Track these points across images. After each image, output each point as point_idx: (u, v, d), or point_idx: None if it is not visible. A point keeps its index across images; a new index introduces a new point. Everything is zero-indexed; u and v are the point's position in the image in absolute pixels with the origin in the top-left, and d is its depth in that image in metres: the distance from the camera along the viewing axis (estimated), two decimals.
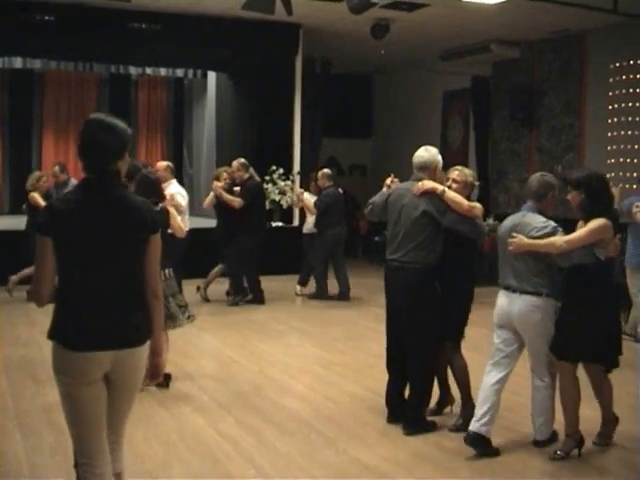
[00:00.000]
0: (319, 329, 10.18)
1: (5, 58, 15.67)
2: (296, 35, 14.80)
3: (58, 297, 3.61)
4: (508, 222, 5.94)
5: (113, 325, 3.59)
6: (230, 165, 11.83)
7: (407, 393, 6.32)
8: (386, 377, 6.42)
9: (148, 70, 17.12)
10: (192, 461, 5.48)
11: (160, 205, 6.93)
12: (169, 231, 7.05)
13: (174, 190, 10.06)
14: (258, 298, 11.72)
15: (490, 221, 13.85)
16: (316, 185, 12.75)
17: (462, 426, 5.99)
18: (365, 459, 5.55)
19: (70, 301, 3.59)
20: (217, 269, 11.75)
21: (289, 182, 14.79)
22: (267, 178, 14.57)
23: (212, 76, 16.99)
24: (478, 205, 6.22)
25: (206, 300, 11.71)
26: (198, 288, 11.84)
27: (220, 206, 11.43)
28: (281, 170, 14.63)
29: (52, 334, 3.61)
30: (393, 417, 6.33)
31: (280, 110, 15.05)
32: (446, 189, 6.05)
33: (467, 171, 6.42)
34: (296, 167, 15.25)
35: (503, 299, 5.87)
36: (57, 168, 11.82)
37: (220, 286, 11.88)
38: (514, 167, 15.89)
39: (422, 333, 6.08)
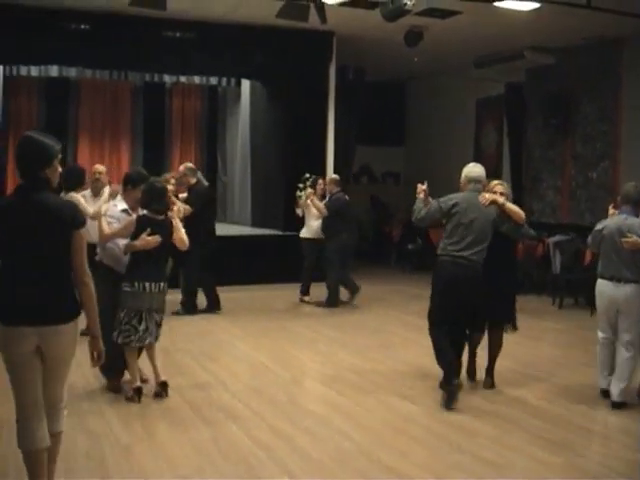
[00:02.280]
0: (350, 336, 10.15)
1: (41, 67, 15.83)
2: (330, 43, 14.80)
3: None
4: (613, 224, 7.20)
5: (38, 306, 4.27)
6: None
7: None
8: (419, 385, 6.54)
9: (182, 78, 17.22)
10: (225, 467, 5.48)
11: (164, 216, 7.00)
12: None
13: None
14: (213, 307, 11.42)
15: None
16: (322, 190, 12.63)
17: (492, 384, 7.69)
18: (399, 468, 5.51)
19: (4, 285, 4.32)
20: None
21: None
22: (300, 186, 14.56)
23: (246, 84, 17.04)
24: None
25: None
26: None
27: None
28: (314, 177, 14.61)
29: None
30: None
31: (314, 118, 15.05)
32: (506, 201, 7.37)
33: (505, 184, 7.81)
34: (329, 174, 15.22)
35: (608, 287, 7.16)
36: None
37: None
38: (548, 174, 15.74)
39: (481, 316, 7.49)
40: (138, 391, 6.95)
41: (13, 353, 4.29)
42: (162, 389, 7.07)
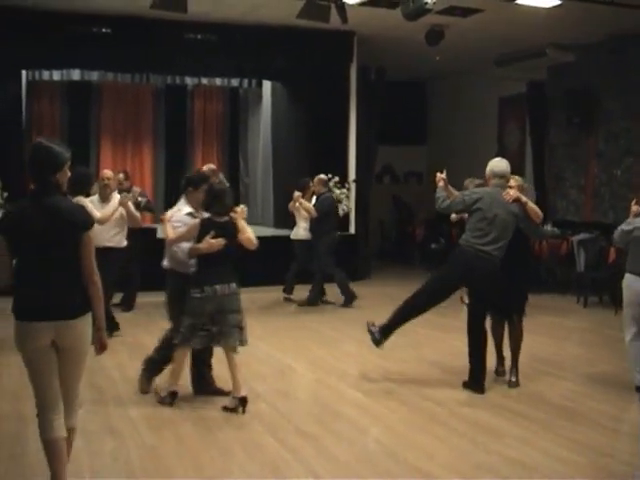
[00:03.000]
0: None
1: (63, 71, 15.92)
2: (350, 43, 14.81)
3: (14, 281, 4.57)
4: None
5: (52, 303, 4.51)
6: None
7: None
8: (443, 384, 6.57)
9: (204, 80, 17.27)
10: (251, 469, 5.49)
11: (227, 217, 6.85)
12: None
13: None
14: None
15: (548, 227, 13.71)
16: (310, 191, 12.52)
17: (516, 383, 7.63)
18: (426, 468, 5.50)
19: (21, 284, 4.56)
20: None
21: (344, 190, 14.78)
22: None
23: (267, 85, 17.06)
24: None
25: None
26: None
27: None
28: (337, 178, 14.63)
29: (12, 309, 4.56)
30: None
31: (335, 118, 15.07)
32: (527, 200, 7.44)
33: (517, 177, 7.89)
34: (351, 175, 15.25)
35: (637, 282, 7.15)
36: (122, 175, 11.81)
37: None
38: (572, 173, 15.66)
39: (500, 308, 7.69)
40: (173, 395, 6.88)
41: (30, 348, 4.54)
42: (240, 404, 6.72)
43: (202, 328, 6.69)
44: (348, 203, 14.91)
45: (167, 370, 7.09)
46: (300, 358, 8.88)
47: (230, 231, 6.80)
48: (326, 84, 14.84)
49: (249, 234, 6.93)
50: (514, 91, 16.85)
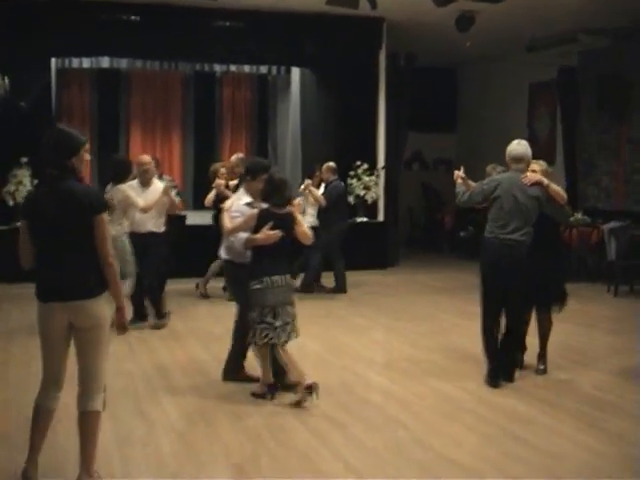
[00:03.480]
0: (403, 324, 10.12)
1: (93, 58, 15.97)
2: (380, 29, 14.76)
3: (35, 264, 4.72)
4: None
5: (65, 284, 4.63)
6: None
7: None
8: (471, 372, 6.52)
9: (232, 67, 17.22)
10: (280, 455, 5.50)
11: (285, 210, 6.70)
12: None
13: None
14: None
15: (579, 215, 13.62)
16: (318, 178, 12.47)
17: (544, 370, 7.63)
18: (453, 456, 5.50)
19: (40, 266, 4.70)
20: (215, 266, 11.35)
21: (374, 177, 14.76)
22: (352, 173, 14.56)
23: (296, 72, 17.01)
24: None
25: (205, 297, 11.59)
26: (197, 286, 11.78)
27: (219, 203, 11.31)
28: (366, 165, 14.61)
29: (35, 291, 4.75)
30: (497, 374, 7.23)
31: (364, 105, 15.04)
32: (549, 182, 7.19)
33: (542, 162, 7.61)
34: (381, 162, 15.21)
35: None
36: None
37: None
38: (603, 160, 15.51)
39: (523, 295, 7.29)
40: (274, 387, 6.79)
41: (46, 327, 4.72)
42: (309, 393, 6.54)
43: (265, 321, 6.59)
44: (377, 190, 14.87)
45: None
46: (328, 346, 8.89)
47: (287, 223, 6.66)
48: (355, 70, 14.82)
49: (305, 228, 6.84)
50: (545, 77, 16.69)
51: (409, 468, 5.31)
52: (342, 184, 12.48)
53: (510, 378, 7.30)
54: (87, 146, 4.78)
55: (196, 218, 13.09)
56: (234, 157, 11.70)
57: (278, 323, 6.63)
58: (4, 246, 11.54)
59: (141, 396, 6.83)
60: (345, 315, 10.67)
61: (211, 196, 11.32)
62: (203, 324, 9.91)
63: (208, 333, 9.30)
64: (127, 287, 9.24)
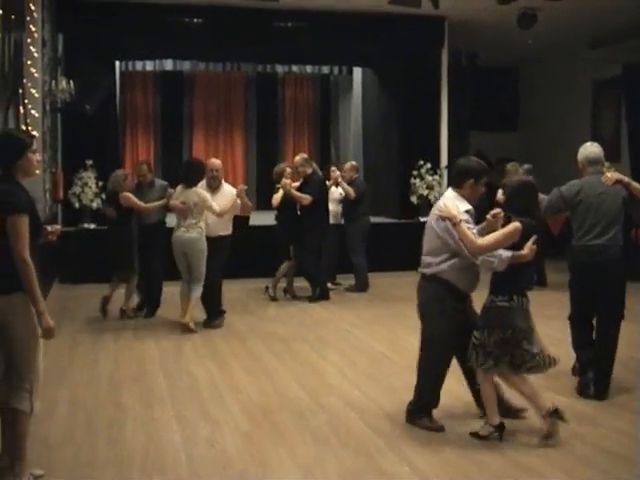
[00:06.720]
0: None
1: (156, 61, 16.19)
2: (441, 28, 14.69)
3: None
4: None
5: None
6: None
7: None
8: (540, 377, 6.27)
9: (294, 68, 17.36)
10: (344, 456, 5.48)
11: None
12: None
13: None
14: (323, 292, 11.61)
15: None
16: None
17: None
18: (523, 460, 5.41)
19: None
20: (284, 267, 11.48)
21: (437, 177, 14.68)
22: (415, 173, 14.51)
23: (358, 72, 17.04)
24: None
25: (274, 299, 11.52)
26: (267, 288, 11.68)
27: (286, 203, 11.34)
28: (428, 165, 14.54)
29: None
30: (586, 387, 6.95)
31: (426, 104, 14.97)
32: (629, 179, 6.98)
33: (606, 163, 7.36)
34: (443, 161, 15.12)
35: None
36: (145, 167, 10.95)
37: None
38: None
39: (622, 302, 6.94)
40: (500, 428, 5.83)
41: None
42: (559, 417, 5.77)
43: (520, 347, 5.76)
44: (440, 190, 14.79)
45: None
46: (392, 345, 8.85)
47: (539, 234, 5.94)
48: (417, 70, 14.78)
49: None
50: (609, 74, 16.42)
51: (477, 470, 5.25)
52: (364, 182, 12.91)
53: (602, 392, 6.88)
54: (34, 147, 4.90)
55: (259, 219, 13.15)
56: (298, 157, 11.72)
57: (535, 350, 5.80)
58: (72, 248, 11.81)
59: (205, 397, 6.87)
60: (410, 314, 10.48)
61: (278, 196, 11.37)
62: (267, 325, 9.95)
63: (271, 334, 9.34)
64: (199, 290, 9.34)
